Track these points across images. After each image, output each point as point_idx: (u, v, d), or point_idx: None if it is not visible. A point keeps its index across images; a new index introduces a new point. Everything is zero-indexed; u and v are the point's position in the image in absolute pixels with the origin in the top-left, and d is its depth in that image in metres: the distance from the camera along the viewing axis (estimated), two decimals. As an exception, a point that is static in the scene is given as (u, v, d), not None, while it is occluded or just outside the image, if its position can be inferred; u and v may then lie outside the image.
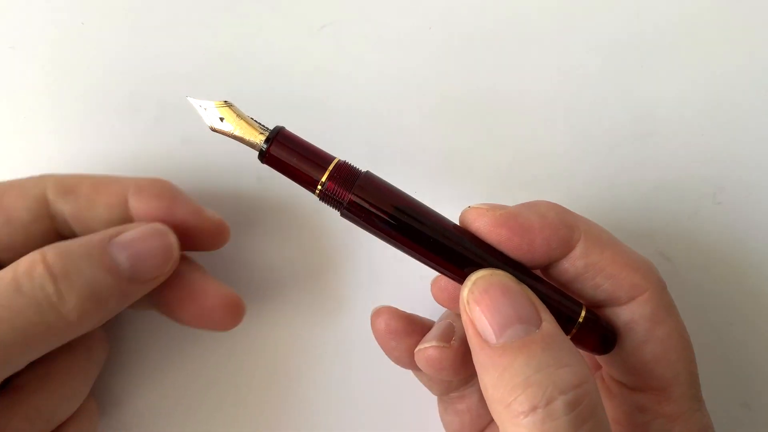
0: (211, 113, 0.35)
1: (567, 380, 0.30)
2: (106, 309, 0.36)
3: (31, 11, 0.44)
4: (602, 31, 0.45)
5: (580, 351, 0.34)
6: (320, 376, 0.45)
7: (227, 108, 0.35)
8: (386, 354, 0.40)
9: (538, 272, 0.37)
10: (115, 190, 0.38)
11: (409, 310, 0.40)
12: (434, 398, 0.43)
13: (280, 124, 0.35)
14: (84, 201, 0.38)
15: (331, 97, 0.45)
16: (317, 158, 0.34)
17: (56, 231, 0.38)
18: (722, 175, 0.45)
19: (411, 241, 0.34)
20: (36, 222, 0.37)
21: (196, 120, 0.36)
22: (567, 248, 0.35)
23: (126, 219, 0.38)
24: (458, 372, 0.37)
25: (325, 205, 0.35)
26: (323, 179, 0.34)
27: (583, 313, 0.35)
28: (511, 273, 0.34)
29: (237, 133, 0.34)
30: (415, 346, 0.38)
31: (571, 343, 0.32)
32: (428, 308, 0.41)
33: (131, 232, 0.36)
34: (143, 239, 0.36)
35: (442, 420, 0.43)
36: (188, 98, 0.35)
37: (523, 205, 0.36)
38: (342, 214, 0.35)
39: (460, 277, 0.34)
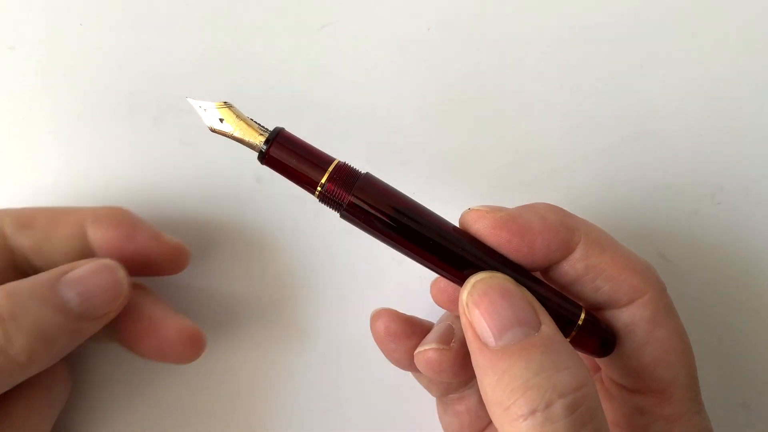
0: (210, 114, 0.35)
1: (566, 383, 0.30)
2: (56, 347, 0.35)
3: (31, 11, 0.44)
4: (602, 31, 0.45)
5: (580, 353, 0.34)
6: (320, 377, 0.45)
7: (227, 109, 0.35)
8: (386, 356, 0.40)
9: (537, 274, 0.37)
10: (73, 220, 0.38)
11: (408, 312, 0.40)
12: (433, 399, 0.43)
13: (280, 124, 0.35)
14: (42, 233, 0.38)
15: (331, 97, 0.45)
16: (317, 159, 0.34)
17: (15, 265, 0.38)
18: (721, 176, 0.45)
19: (411, 243, 0.34)
20: None
21: (195, 121, 0.36)
22: (567, 250, 0.35)
23: (85, 249, 0.38)
24: (458, 374, 0.37)
25: (324, 206, 0.35)
26: (323, 180, 0.34)
27: (582, 316, 0.35)
28: (510, 275, 0.34)
29: (236, 134, 0.34)
30: (415, 348, 0.38)
31: (570, 346, 0.32)
32: (427, 310, 0.41)
33: (80, 270, 0.36)
34: (92, 276, 0.36)
35: (441, 421, 0.43)
36: (188, 99, 0.35)
37: (522, 207, 0.36)
38: (342, 216, 0.34)
39: (460, 279, 0.34)
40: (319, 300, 0.45)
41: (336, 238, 0.45)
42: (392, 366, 0.40)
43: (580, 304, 0.36)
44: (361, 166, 0.35)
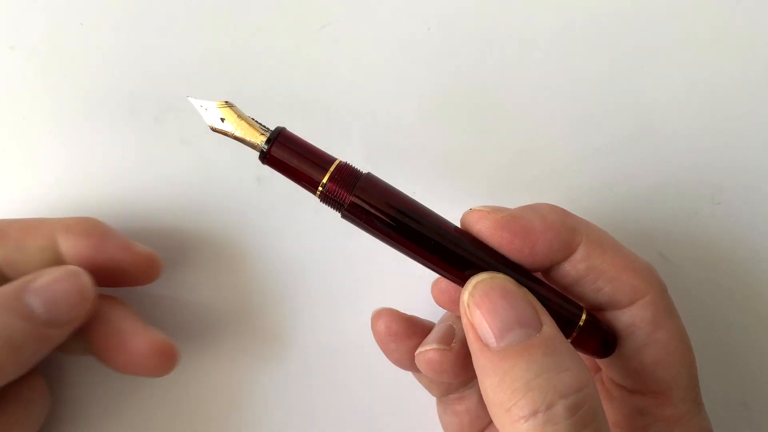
0: (211, 113, 0.35)
1: (568, 384, 0.30)
2: (24, 355, 0.36)
3: (31, 11, 0.44)
4: (602, 32, 0.45)
5: (581, 354, 0.34)
6: (320, 378, 0.45)
7: (228, 108, 0.35)
8: (386, 356, 0.40)
9: (538, 275, 0.37)
10: (44, 231, 0.38)
11: (408, 312, 0.40)
12: (433, 399, 0.43)
13: (280, 124, 0.35)
14: (13, 245, 0.38)
15: (331, 97, 0.45)
16: (318, 159, 0.34)
17: None
18: (721, 176, 0.45)
19: (412, 243, 0.34)
20: None
21: (195, 121, 0.36)
22: (568, 251, 0.35)
23: (57, 260, 0.38)
24: (458, 375, 0.37)
25: (325, 206, 0.35)
26: (324, 180, 0.34)
27: (583, 317, 0.35)
28: (512, 276, 0.34)
29: (238, 133, 0.34)
30: (415, 348, 0.38)
31: (571, 346, 0.32)
32: (428, 310, 0.41)
33: (44, 278, 0.36)
34: (56, 282, 0.36)
35: (441, 421, 0.43)
36: (189, 98, 0.35)
37: (524, 207, 0.36)
38: (343, 216, 0.34)
39: (461, 280, 0.34)
40: (319, 300, 0.45)
41: (336, 238, 0.45)
42: (392, 366, 0.40)
43: (581, 304, 0.36)
44: (361, 166, 0.35)
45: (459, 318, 0.39)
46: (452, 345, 0.37)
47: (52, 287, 0.36)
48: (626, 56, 0.45)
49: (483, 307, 0.32)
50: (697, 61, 0.45)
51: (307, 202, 0.36)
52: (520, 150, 0.45)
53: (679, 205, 0.45)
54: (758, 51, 0.45)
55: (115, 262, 0.39)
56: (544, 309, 0.33)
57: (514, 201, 0.37)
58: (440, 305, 0.40)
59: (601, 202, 0.45)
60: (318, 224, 0.44)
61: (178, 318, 0.44)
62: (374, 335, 0.40)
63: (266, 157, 0.34)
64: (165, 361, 0.39)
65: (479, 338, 0.32)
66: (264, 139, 0.34)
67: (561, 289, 0.36)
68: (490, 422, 0.41)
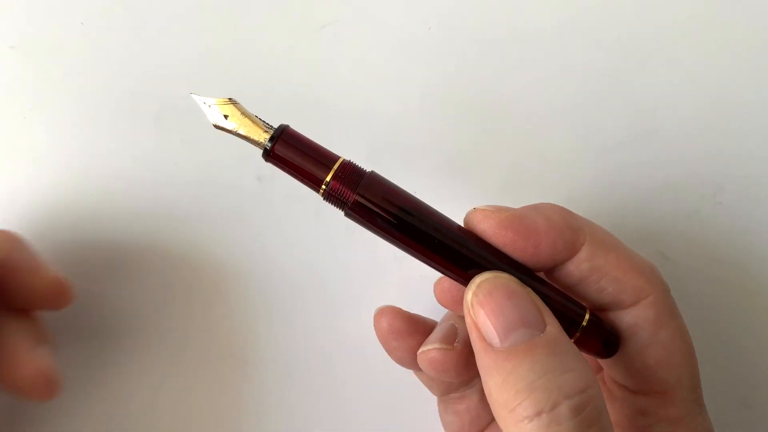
0: (214, 110, 0.34)
1: (572, 385, 0.30)
2: None
3: (31, 11, 0.44)
4: (602, 31, 0.45)
5: (583, 354, 0.34)
6: (320, 376, 0.45)
7: (231, 105, 0.35)
8: (388, 354, 0.40)
9: (542, 275, 0.36)
10: None
11: (411, 311, 0.40)
12: (434, 398, 0.43)
13: (281, 122, 0.35)
14: None
15: (331, 97, 0.45)
16: (322, 157, 0.34)
17: None
18: (722, 175, 0.45)
19: (415, 242, 0.34)
20: None
21: (196, 120, 0.36)
22: (572, 251, 0.35)
23: None
24: (461, 374, 0.37)
25: (326, 206, 0.34)
26: (328, 179, 0.33)
27: (586, 317, 0.35)
28: (515, 276, 0.34)
29: (241, 131, 0.34)
30: (418, 347, 0.38)
31: (575, 347, 0.32)
32: (430, 309, 0.41)
33: None
34: None
35: (442, 420, 0.43)
36: (192, 95, 0.35)
37: (527, 207, 0.36)
38: (346, 214, 0.34)
39: (464, 279, 0.34)
40: (321, 299, 0.45)
41: (337, 237, 0.45)
42: (394, 365, 0.40)
43: (584, 304, 0.36)
44: (362, 165, 0.35)
45: (461, 318, 0.39)
46: (455, 344, 0.37)
47: None
48: (627, 56, 0.45)
49: (487, 306, 0.32)
50: (697, 60, 0.45)
51: (308, 201, 0.36)
52: (521, 150, 0.45)
53: (680, 205, 0.45)
54: (758, 51, 0.45)
55: (20, 284, 0.38)
56: (548, 309, 0.33)
57: (515, 200, 0.37)
58: (442, 305, 0.40)
59: (602, 201, 0.45)
60: (319, 224, 0.44)
61: (178, 317, 0.44)
62: (377, 333, 0.40)
63: (270, 155, 0.34)
64: (45, 388, 0.37)
65: (483, 338, 0.32)
66: (267, 136, 0.34)
67: (564, 288, 0.36)
68: (491, 422, 0.41)
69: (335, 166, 0.34)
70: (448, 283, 0.38)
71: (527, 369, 0.30)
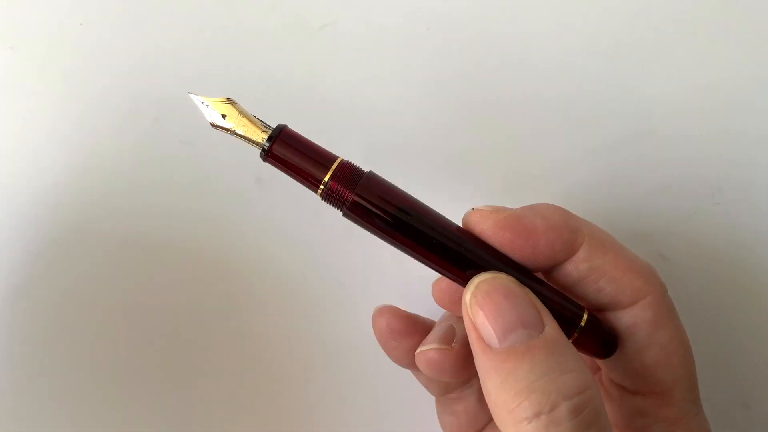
0: (212, 110, 0.34)
1: (571, 386, 0.30)
2: None
3: (31, 11, 0.44)
4: (602, 31, 0.45)
5: (581, 354, 0.34)
6: (319, 376, 0.45)
7: (229, 105, 0.34)
8: (386, 353, 0.40)
9: (540, 275, 0.36)
10: None
11: (409, 311, 0.40)
12: (432, 398, 0.43)
13: (280, 124, 0.35)
14: None
15: (331, 97, 0.45)
16: (320, 157, 0.34)
17: None
18: (721, 176, 0.45)
19: (413, 243, 0.34)
20: None
21: (195, 121, 0.36)
22: (570, 251, 0.35)
23: None
24: (459, 374, 0.37)
25: (324, 207, 0.34)
26: (326, 179, 0.33)
27: (585, 317, 0.35)
28: (514, 276, 0.34)
29: (239, 130, 0.34)
30: (416, 347, 0.38)
31: (573, 348, 0.32)
32: (429, 309, 0.41)
33: None
34: None
35: (440, 420, 0.43)
36: (190, 94, 0.35)
37: (526, 207, 0.36)
38: (344, 214, 0.34)
39: (463, 280, 0.34)
40: (320, 299, 0.45)
41: (336, 238, 0.45)
42: (392, 365, 0.40)
43: (583, 305, 0.36)
44: (361, 166, 0.35)
45: (459, 318, 0.39)
46: (453, 344, 0.37)
47: None
48: (626, 56, 0.45)
49: (485, 307, 0.32)
50: (697, 60, 0.45)
51: (307, 202, 0.36)
52: (520, 149, 0.45)
53: (679, 205, 0.45)
54: (758, 50, 0.45)
55: None
56: (546, 309, 0.33)
57: (514, 201, 0.37)
58: (440, 305, 0.40)
59: (601, 202, 0.45)
60: (317, 225, 0.44)
61: (177, 318, 0.44)
62: (375, 332, 0.40)
63: (268, 155, 0.34)
64: None
65: (481, 338, 0.32)
66: (265, 136, 0.34)
67: (562, 289, 0.36)
68: (489, 422, 0.41)
69: (333, 166, 0.34)
70: (446, 283, 0.38)
71: (526, 370, 0.30)
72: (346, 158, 0.34)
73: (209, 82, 0.44)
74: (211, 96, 0.35)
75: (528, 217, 0.35)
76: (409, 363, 0.39)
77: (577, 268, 0.35)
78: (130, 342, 0.44)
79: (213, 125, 0.34)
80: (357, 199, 0.33)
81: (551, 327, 0.32)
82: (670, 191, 0.45)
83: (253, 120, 0.34)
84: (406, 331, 0.39)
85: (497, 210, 0.35)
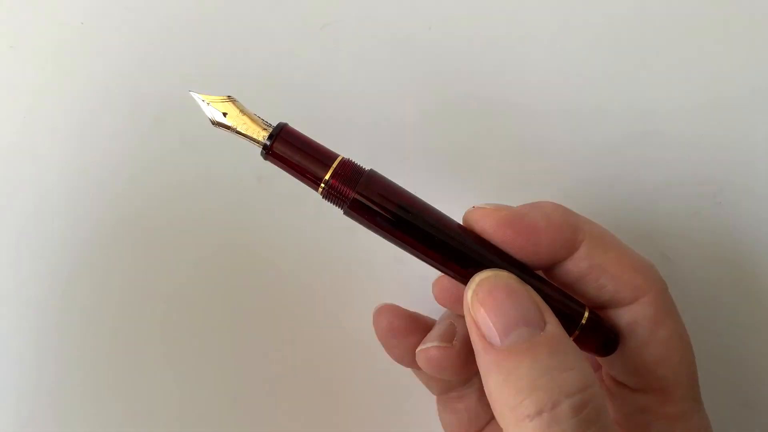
0: (213, 108, 0.34)
1: (573, 384, 0.30)
2: None
3: (31, 11, 0.44)
4: (602, 31, 0.45)
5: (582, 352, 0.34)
6: (320, 376, 0.45)
7: (230, 103, 0.34)
8: (387, 352, 0.40)
9: (541, 273, 0.36)
10: None
11: (410, 309, 0.40)
12: (433, 397, 0.43)
13: (281, 122, 0.35)
14: None
15: (332, 96, 0.45)
16: (321, 155, 0.34)
17: None
18: (722, 175, 0.45)
19: (415, 240, 0.34)
20: None
21: (196, 120, 0.36)
22: (571, 249, 0.35)
23: None
24: (459, 372, 0.37)
25: (325, 205, 0.34)
26: (327, 177, 0.33)
27: (586, 315, 0.35)
28: (515, 273, 0.34)
29: (240, 128, 0.34)
30: (417, 345, 0.38)
31: (575, 345, 0.32)
32: (430, 307, 0.41)
33: None
34: None
35: (441, 419, 0.43)
36: (191, 92, 0.35)
37: (527, 205, 0.36)
38: (345, 213, 0.34)
39: (464, 278, 0.34)
40: (320, 298, 0.45)
41: (337, 237, 0.45)
42: (393, 364, 0.40)
43: (584, 303, 0.36)
44: (362, 164, 0.35)
45: (460, 317, 0.39)
46: (453, 342, 0.37)
47: None
48: (626, 56, 0.45)
49: (487, 305, 0.32)
50: (697, 60, 0.45)
51: (308, 201, 0.36)
52: (521, 149, 0.45)
53: (680, 205, 0.45)
54: (758, 50, 0.45)
55: None
56: (548, 307, 0.33)
57: (515, 200, 0.37)
58: (441, 304, 0.40)
59: (602, 201, 0.45)
60: (318, 223, 0.44)
61: (178, 318, 0.44)
62: (376, 331, 0.40)
63: (269, 153, 0.34)
64: None
65: (483, 336, 0.32)
66: (266, 134, 0.34)
67: (563, 287, 0.36)
68: (490, 421, 0.41)
69: (334, 164, 0.34)
70: (447, 282, 0.38)
71: (528, 368, 0.30)
72: (347, 156, 0.34)
73: (210, 81, 0.44)
74: (212, 94, 0.35)
75: (529, 215, 0.35)
76: (410, 361, 0.39)
77: (577, 266, 0.35)
78: (129, 342, 0.44)
79: (214, 123, 0.34)
80: (358, 197, 0.33)
81: (553, 324, 0.32)
82: (671, 191, 0.45)
83: (254, 118, 0.34)
84: (406, 330, 0.39)
85: (498, 208, 0.35)
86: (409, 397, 0.45)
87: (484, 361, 0.32)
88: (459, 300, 0.37)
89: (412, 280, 0.44)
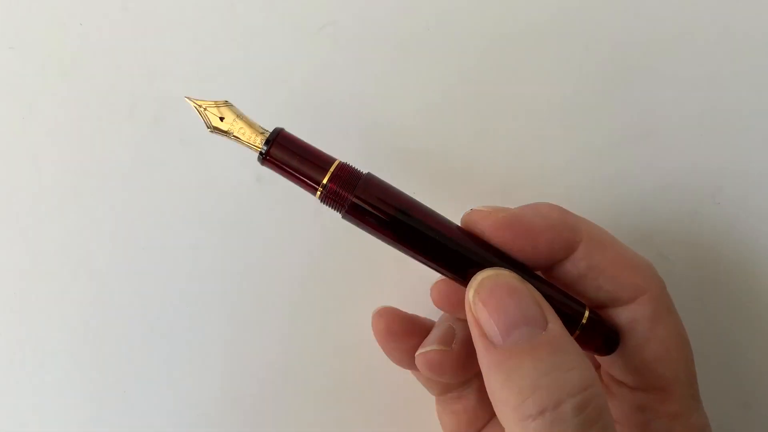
0: (209, 113, 0.34)
1: (575, 383, 0.30)
2: None
3: (31, 11, 0.44)
4: (602, 31, 0.45)
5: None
6: (320, 377, 0.45)
7: (227, 108, 0.34)
8: (386, 354, 0.40)
9: (539, 274, 0.36)
10: None
11: (409, 311, 0.40)
12: (432, 397, 0.43)
13: (280, 123, 0.35)
14: None
15: (331, 96, 0.45)
16: (318, 160, 0.34)
17: None
18: (721, 176, 0.45)
19: (413, 243, 0.34)
20: None
21: (195, 120, 0.36)
22: (569, 250, 0.35)
23: None
24: (458, 375, 0.37)
25: (325, 206, 0.35)
26: (324, 181, 0.33)
27: (586, 314, 0.35)
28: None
29: (236, 134, 0.34)
30: (416, 348, 0.38)
31: (576, 345, 0.32)
32: (429, 309, 0.41)
33: None
34: None
35: (440, 420, 0.43)
36: (186, 98, 0.35)
37: (525, 207, 0.36)
38: (343, 217, 0.34)
39: (463, 280, 0.34)
40: (320, 299, 0.45)
41: (336, 238, 0.45)
42: (392, 365, 0.41)
43: (584, 302, 0.36)
44: (361, 166, 0.35)
45: (458, 320, 0.39)
46: (453, 346, 0.37)
47: None
48: (627, 56, 0.45)
49: (489, 304, 0.32)
50: (697, 60, 0.45)
51: (308, 201, 0.36)
52: (520, 150, 0.45)
53: (679, 206, 0.45)
54: (758, 50, 0.45)
55: None
56: (549, 306, 0.33)
57: (514, 201, 0.37)
58: (439, 308, 0.39)
59: (601, 202, 0.45)
60: (318, 223, 0.44)
61: (178, 318, 0.44)
62: (375, 334, 0.40)
63: (265, 158, 0.34)
64: None
65: (484, 336, 0.32)
66: (263, 139, 0.34)
67: (562, 287, 0.36)
68: (489, 421, 0.41)
69: (332, 168, 0.34)
70: (445, 286, 0.38)
71: (530, 367, 0.30)
72: (345, 159, 0.34)
73: (209, 81, 0.44)
74: (208, 98, 0.35)
75: (527, 217, 0.35)
76: (409, 364, 0.39)
77: (576, 266, 0.35)
78: (128, 342, 0.44)
79: (209, 128, 0.34)
80: (356, 200, 0.33)
81: (554, 324, 0.32)
82: (670, 191, 0.45)
83: (251, 123, 0.34)
84: (405, 333, 0.39)
85: (496, 210, 0.35)
86: (409, 397, 0.45)
87: (485, 360, 0.32)
88: (457, 304, 0.38)
89: (411, 280, 0.44)
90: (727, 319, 0.46)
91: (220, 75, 0.44)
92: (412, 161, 0.45)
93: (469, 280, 0.34)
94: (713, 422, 0.37)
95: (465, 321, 0.35)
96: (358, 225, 0.34)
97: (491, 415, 0.40)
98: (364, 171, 0.35)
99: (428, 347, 0.37)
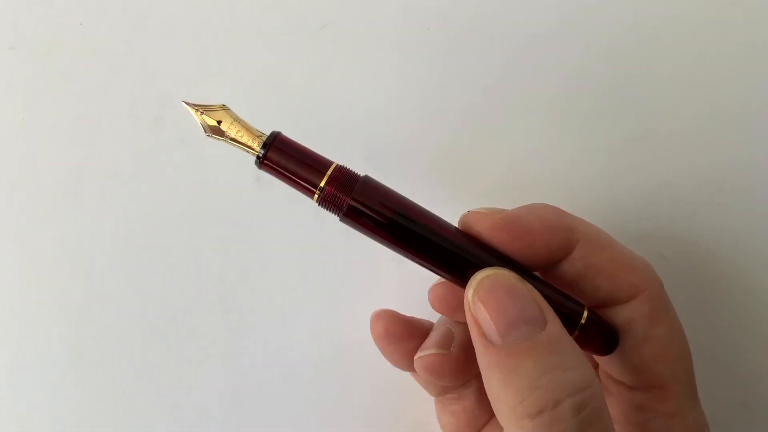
0: (207, 117, 0.34)
1: (573, 383, 0.30)
2: None
3: (31, 11, 0.44)
4: (602, 31, 0.45)
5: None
6: (319, 378, 0.45)
7: (224, 111, 0.34)
8: (385, 357, 0.40)
9: (537, 274, 0.36)
10: None
11: (408, 313, 0.40)
12: (431, 399, 0.43)
13: (280, 123, 0.35)
14: None
15: (330, 96, 0.45)
16: (315, 163, 0.34)
17: None
18: (721, 176, 0.45)
19: (411, 245, 0.34)
20: None
21: (194, 121, 0.36)
22: (567, 250, 0.35)
23: None
24: (457, 378, 0.37)
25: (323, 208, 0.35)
26: (322, 184, 0.33)
27: (585, 314, 0.35)
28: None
29: (233, 137, 0.34)
30: (414, 350, 0.38)
31: (576, 345, 0.32)
32: (428, 311, 0.41)
33: None
34: None
35: (439, 420, 0.43)
36: (183, 102, 0.35)
37: (522, 208, 0.36)
38: (341, 219, 0.34)
39: (462, 281, 0.34)
40: (319, 300, 0.45)
41: (335, 238, 0.45)
42: (391, 366, 0.40)
43: (582, 302, 0.36)
44: (361, 166, 0.35)
45: (456, 323, 0.39)
46: (451, 349, 0.37)
47: None
48: (627, 56, 0.45)
49: (488, 303, 0.32)
50: (697, 61, 0.45)
51: (306, 202, 0.36)
52: (519, 150, 0.45)
53: (679, 206, 0.45)
54: (759, 51, 0.45)
55: None
56: (548, 306, 0.33)
57: (513, 202, 0.37)
58: (438, 311, 0.39)
59: (601, 202, 0.45)
60: (317, 224, 0.44)
61: (178, 318, 0.45)
62: (373, 337, 0.40)
63: (262, 162, 0.34)
64: None
65: (484, 335, 0.32)
66: (260, 143, 0.34)
67: (560, 287, 0.36)
68: (488, 422, 0.41)
69: (329, 171, 0.34)
70: (443, 289, 0.38)
71: (529, 367, 0.30)
72: (344, 160, 0.34)
73: (209, 82, 0.44)
74: (206, 101, 0.35)
75: (524, 218, 0.35)
76: (408, 366, 0.39)
77: (573, 267, 0.35)
78: (127, 342, 0.44)
79: (207, 132, 0.34)
80: (353, 203, 0.33)
81: (554, 323, 0.32)
82: (670, 191, 0.45)
83: (248, 126, 0.34)
84: (403, 335, 0.39)
85: (494, 211, 0.35)
86: (408, 398, 0.45)
87: (484, 360, 0.32)
88: (455, 307, 0.37)
89: (410, 282, 0.44)
90: (726, 319, 0.46)
91: (219, 75, 0.44)
92: (410, 163, 0.45)
93: (467, 281, 0.34)
94: (712, 422, 0.37)
95: (463, 324, 0.35)
96: (355, 227, 0.34)
97: (490, 415, 0.40)
98: (362, 173, 0.34)
99: (427, 351, 0.37)
